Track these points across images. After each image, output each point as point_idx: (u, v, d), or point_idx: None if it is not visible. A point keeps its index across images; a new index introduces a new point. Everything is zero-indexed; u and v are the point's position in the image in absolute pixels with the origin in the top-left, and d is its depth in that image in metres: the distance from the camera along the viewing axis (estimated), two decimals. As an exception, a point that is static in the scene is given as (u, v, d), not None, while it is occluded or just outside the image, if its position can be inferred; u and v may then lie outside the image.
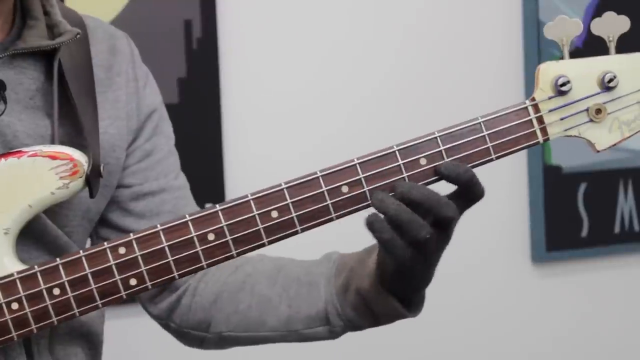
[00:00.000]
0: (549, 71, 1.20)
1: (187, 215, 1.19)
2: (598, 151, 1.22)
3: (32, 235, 1.25)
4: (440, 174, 1.19)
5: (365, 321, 1.31)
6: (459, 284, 2.47)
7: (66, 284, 1.18)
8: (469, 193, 1.19)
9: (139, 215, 1.38)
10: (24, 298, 1.18)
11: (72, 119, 1.28)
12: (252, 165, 2.27)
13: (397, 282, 1.24)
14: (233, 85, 2.25)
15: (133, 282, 1.19)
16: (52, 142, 1.25)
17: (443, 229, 1.19)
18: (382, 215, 1.17)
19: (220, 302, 1.38)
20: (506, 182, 2.49)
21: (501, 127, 1.20)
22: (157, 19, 2.17)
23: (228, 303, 1.37)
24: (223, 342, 1.40)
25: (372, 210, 1.19)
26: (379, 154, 1.19)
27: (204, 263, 1.20)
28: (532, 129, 1.21)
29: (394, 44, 2.40)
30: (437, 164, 1.19)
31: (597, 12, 2.52)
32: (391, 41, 2.40)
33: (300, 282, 1.34)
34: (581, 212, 2.59)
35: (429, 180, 1.20)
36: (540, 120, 1.21)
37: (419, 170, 1.20)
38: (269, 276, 1.37)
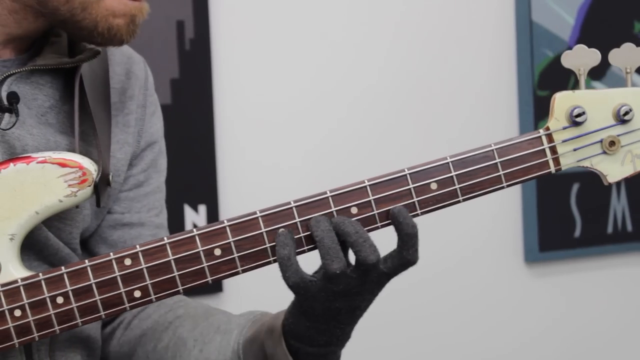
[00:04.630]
0: (564, 101, 1.20)
1: (194, 230, 1.18)
2: (609, 183, 1.21)
3: (34, 247, 1.24)
4: (390, 216, 1.17)
5: None
6: (452, 283, 2.48)
7: (70, 293, 1.18)
8: (403, 248, 1.16)
9: (112, 244, 1.37)
10: (27, 305, 1.17)
11: (88, 135, 1.27)
12: (245, 166, 2.25)
13: (297, 328, 1.21)
14: (225, 86, 2.24)
15: (137, 294, 1.19)
16: None
17: (362, 274, 1.16)
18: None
19: (144, 338, 1.37)
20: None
21: (514, 156, 1.20)
22: (149, 19, 2.12)
23: (150, 340, 1.37)
24: None
25: (381, 233, 1.18)
26: (389, 177, 1.19)
27: (209, 278, 1.19)
28: (545, 159, 1.20)
29: (387, 44, 2.39)
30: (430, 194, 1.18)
31: (590, 13, 2.50)
32: (384, 41, 2.39)
33: (218, 330, 1.31)
34: (574, 213, 2.59)
35: (440, 205, 1.19)
36: (553, 150, 1.20)
37: (429, 195, 1.19)
38: (194, 321, 1.35)
